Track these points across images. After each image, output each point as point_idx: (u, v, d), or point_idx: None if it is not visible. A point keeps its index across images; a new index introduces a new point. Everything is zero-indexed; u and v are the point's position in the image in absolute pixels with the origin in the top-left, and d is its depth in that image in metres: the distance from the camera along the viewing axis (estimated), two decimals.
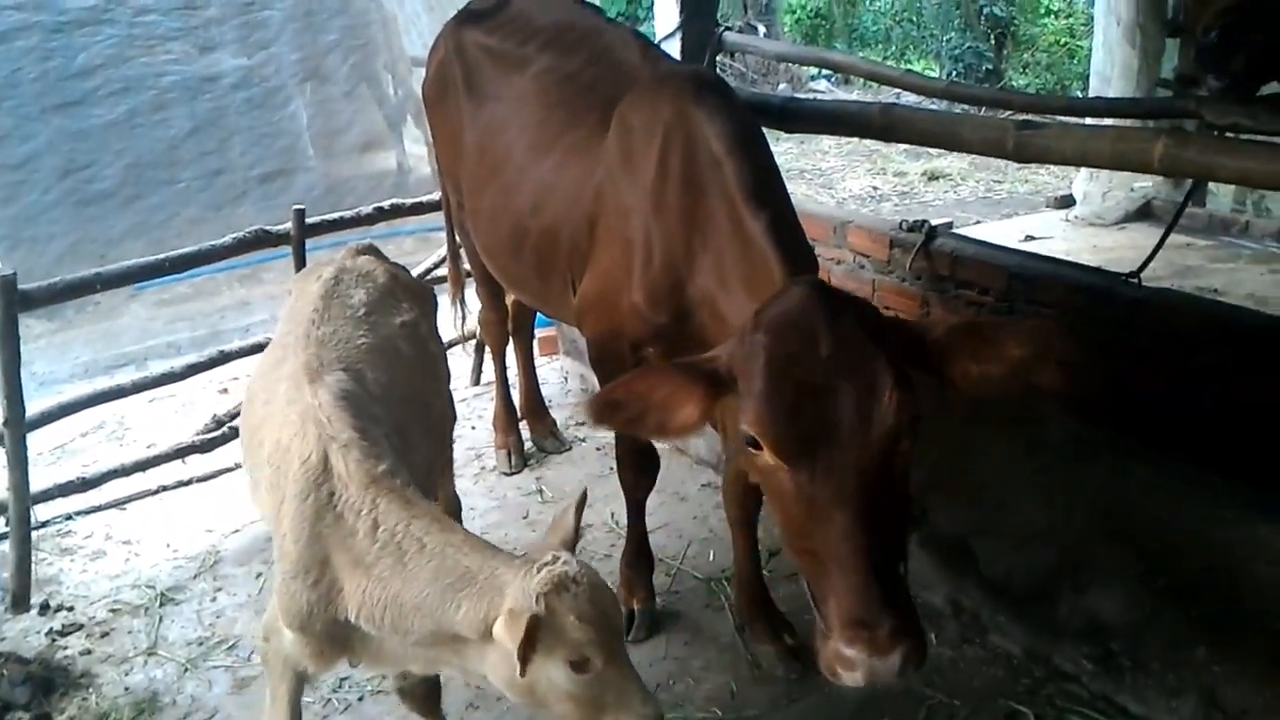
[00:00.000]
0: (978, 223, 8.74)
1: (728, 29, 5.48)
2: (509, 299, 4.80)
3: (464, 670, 2.38)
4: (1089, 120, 5.87)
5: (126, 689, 3.57)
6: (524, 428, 5.09)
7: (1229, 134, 3.17)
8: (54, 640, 3.83)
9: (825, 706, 3.29)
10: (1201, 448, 3.24)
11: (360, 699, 3.44)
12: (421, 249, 6.68)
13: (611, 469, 3.67)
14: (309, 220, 4.53)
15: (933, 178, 11.01)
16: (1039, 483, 3.26)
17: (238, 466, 5.07)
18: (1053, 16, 16.05)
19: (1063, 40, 15.50)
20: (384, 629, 2.32)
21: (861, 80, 12.62)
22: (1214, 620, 2.83)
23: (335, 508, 2.33)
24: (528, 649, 2.04)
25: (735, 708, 3.33)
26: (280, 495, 2.42)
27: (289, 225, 4.48)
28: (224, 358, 4.88)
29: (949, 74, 15.27)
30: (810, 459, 2.07)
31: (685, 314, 3.01)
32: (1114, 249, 7.32)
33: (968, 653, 3.47)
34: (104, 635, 3.87)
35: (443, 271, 5.32)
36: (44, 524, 4.52)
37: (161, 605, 4.02)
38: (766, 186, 2.86)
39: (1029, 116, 3.44)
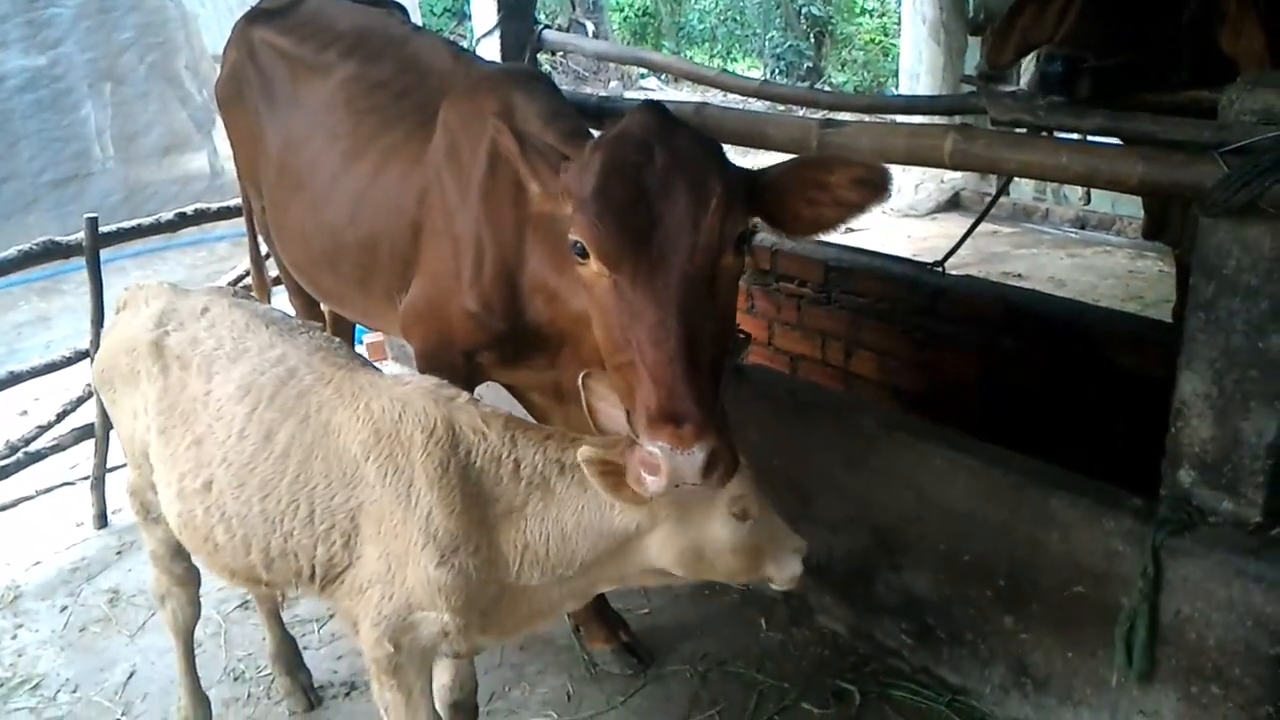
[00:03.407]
0: None
1: (548, 27, 5.45)
2: (325, 308, 4.62)
3: (625, 579, 2.38)
4: (903, 118, 6.14)
5: None
6: None
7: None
8: None
9: (660, 701, 3.32)
10: (1001, 426, 3.43)
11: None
12: (237, 253, 6.39)
13: None
14: (104, 229, 4.24)
15: None
16: (852, 468, 3.37)
17: (38, 494, 4.76)
18: (868, 15, 16.65)
19: (877, 39, 16.11)
20: (548, 570, 2.29)
21: None
22: (1016, 591, 2.98)
23: (476, 464, 2.29)
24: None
25: (572, 709, 3.31)
26: (402, 485, 2.32)
27: (81, 235, 4.18)
28: (14, 379, 4.53)
29: (771, 72, 15.67)
30: (632, 262, 2.04)
31: (519, 310, 2.96)
32: (926, 238, 7.69)
33: (796, 635, 3.56)
34: None
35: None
36: None
37: None
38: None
39: (832, 115, 3.56)
